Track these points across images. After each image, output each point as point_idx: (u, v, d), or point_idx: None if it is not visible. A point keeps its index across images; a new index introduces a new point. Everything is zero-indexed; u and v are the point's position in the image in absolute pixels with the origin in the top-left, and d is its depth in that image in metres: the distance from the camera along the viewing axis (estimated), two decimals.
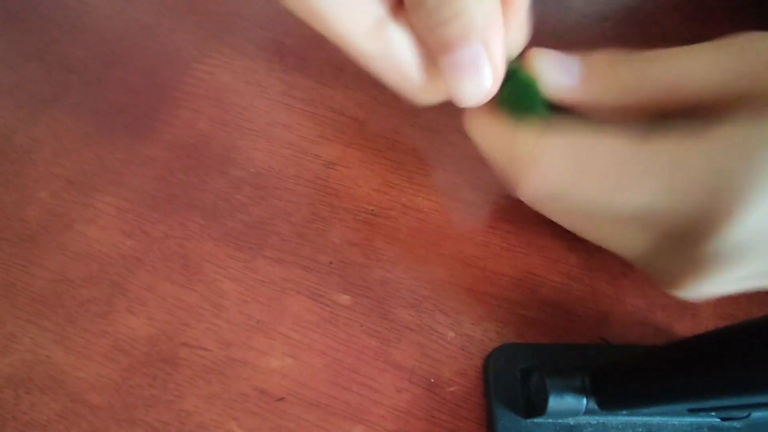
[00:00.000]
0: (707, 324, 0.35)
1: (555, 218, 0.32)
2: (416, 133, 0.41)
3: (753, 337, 0.22)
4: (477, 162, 0.37)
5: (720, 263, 0.26)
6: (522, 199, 0.30)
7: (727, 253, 0.25)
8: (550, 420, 0.32)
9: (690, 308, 0.35)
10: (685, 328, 0.35)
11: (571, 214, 0.30)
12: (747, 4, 0.47)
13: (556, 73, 0.28)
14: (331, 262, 0.37)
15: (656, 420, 0.32)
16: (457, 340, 0.35)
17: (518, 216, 0.38)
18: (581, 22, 0.47)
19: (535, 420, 0.32)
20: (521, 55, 0.29)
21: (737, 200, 0.24)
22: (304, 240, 0.38)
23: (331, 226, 0.39)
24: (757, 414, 0.31)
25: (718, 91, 0.25)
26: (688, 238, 0.26)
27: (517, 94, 0.29)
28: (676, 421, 0.32)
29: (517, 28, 0.28)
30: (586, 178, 0.26)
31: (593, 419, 0.32)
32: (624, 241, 0.29)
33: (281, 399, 0.34)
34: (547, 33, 0.44)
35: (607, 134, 0.26)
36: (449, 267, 0.37)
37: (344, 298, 0.36)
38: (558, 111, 0.29)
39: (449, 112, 0.33)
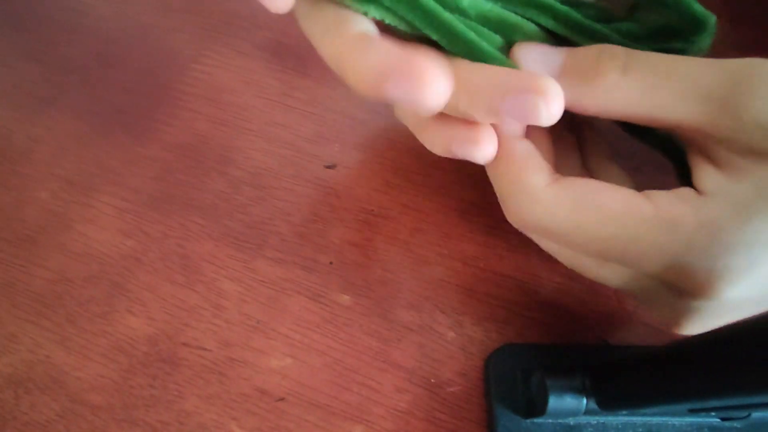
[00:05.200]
0: None
1: (542, 246, 0.31)
2: None
3: (753, 337, 0.22)
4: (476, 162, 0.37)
5: (708, 316, 0.27)
6: (510, 222, 0.30)
7: (712, 310, 0.26)
8: (550, 420, 0.32)
9: None
10: None
11: (561, 251, 0.30)
12: None
13: (536, 67, 0.27)
14: (331, 263, 0.37)
15: (656, 420, 0.32)
16: (458, 341, 0.35)
17: None
18: None
19: (536, 420, 0.32)
20: None
21: (723, 275, 0.24)
22: (304, 240, 0.38)
23: (331, 226, 0.39)
24: (757, 414, 0.31)
25: (694, 122, 0.25)
26: (678, 291, 0.27)
27: None
28: (676, 421, 0.32)
29: None
30: (583, 227, 0.26)
31: (593, 419, 0.32)
32: (614, 281, 0.29)
33: (281, 399, 0.34)
34: None
35: (611, 188, 0.26)
36: (449, 267, 0.37)
37: (344, 299, 0.36)
38: None
39: None
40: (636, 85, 0.25)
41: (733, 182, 0.24)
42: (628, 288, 0.29)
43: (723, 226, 0.24)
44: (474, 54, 0.27)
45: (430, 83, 0.22)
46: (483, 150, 0.27)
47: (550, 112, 0.24)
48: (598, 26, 0.29)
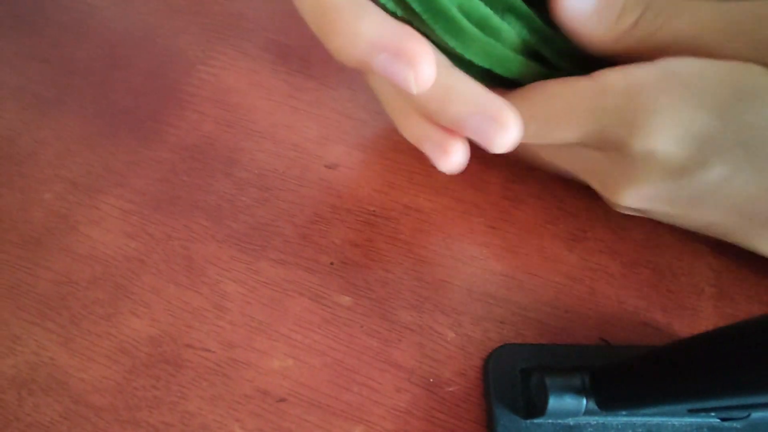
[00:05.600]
0: (707, 324, 0.35)
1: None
2: None
3: (753, 337, 0.22)
4: (477, 162, 0.37)
5: (636, 178, 0.30)
6: None
7: (638, 162, 0.29)
8: (550, 420, 0.32)
9: (689, 308, 0.35)
10: (684, 328, 0.35)
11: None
12: None
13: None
14: (332, 263, 0.37)
15: (656, 420, 0.32)
16: (457, 341, 0.35)
17: (519, 216, 0.38)
18: None
19: (535, 420, 0.32)
20: None
21: (645, 119, 0.27)
22: (307, 241, 0.38)
23: (333, 227, 0.39)
24: (757, 414, 0.31)
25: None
26: (615, 151, 0.29)
27: None
28: (676, 421, 0.32)
29: None
30: (539, 106, 0.30)
31: (593, 419, 0.32)
32: (574, 163, 0.33)
33: (283, 400, 0.34)
34: None
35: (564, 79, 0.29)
36: (450, 267, 0.37)
37: (345, 299, 0.36)
38: None
39: None
40: (649, 29, 0.28)
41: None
42: (586, 167, 0.33)
43: (646, 89, 0.27)
44: (453, 30, 0.27)
45: (422, 67, 0.24)
46: (449, 161, 0.29)
47: (504, 144, 0.27)
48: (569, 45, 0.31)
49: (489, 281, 0.37)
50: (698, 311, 0.35)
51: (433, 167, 0.38)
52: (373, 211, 0.39)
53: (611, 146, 0.29)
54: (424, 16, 0.27)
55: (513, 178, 0.40)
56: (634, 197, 0.31)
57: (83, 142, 0.43)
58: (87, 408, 0.34)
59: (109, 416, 0.34)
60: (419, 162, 0.40)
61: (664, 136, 0.27)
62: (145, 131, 0.43)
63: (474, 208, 0.39)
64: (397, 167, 0.40)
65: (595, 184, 0.33)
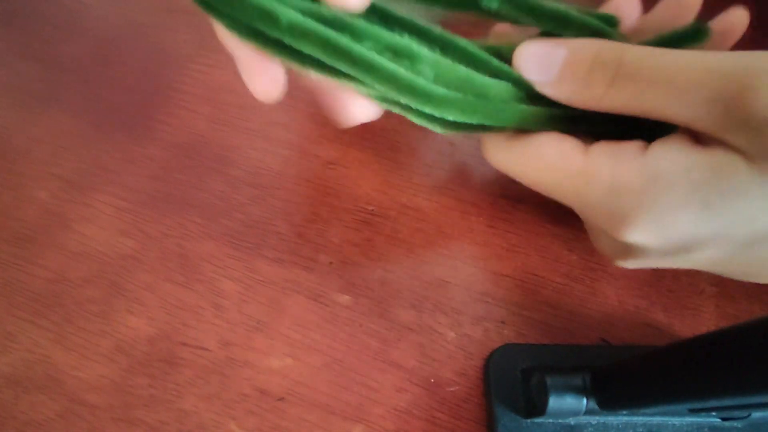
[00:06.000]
0: (707, 324, 0.35)
1: None
2: (416, 133, 0.41)
3: (753, 337, 0.22)
4: (476, 162, 0.37)
5: (632, 254, 0.29)
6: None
7: (627, 248, 0.29)
8: (551, 420, 0.32)
9: (690, 308, 0.36)
10: (685, 328, 0.35)
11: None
12: None
13: (535, 69, 0.29)
14: (331, 262, 0.37)
15: (656, 420, 0.32)
16: (458, 341, 0.35)
17: (518, 216, 0.38)
18: None
19: (536, 420, 0.32)
20: None
21: (630, 219, 0.27)
22: (304, 240, 0.38)
23: (331, 226, 0.39)
24: (757, 414, 0.31)
25: (691, 121, 0.26)
26: (606, 232, 0.30)
27: None
28: (676, 421, 0.32)
29: None
30: (527, 172, 0.30)
31: (593, 419, 0.32)
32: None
33: (281, 399, 0.34)
34: None
35: (556, 139, 0.29)
36: (449, 267, 0.37)
37: (344, 298, 0.36)
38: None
39: None
40: (624, 94, 0.27)
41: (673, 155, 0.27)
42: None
43: (631, 191, 0.27)
44: (428, 100, 0.28)
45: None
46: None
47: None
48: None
49: (489, 281, 0.37)
50: (699, 311, 0.35)
51: (432, 167, 0.38)
52: (372, 210, 0.39)
53: (598, 227, 0.30)
54: (404, 100, 0.28)
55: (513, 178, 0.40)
56: (626, 264, 0.31)
57: (76, 140, 0.43)
58: (82, 406, 0.34)
59: (105, 414, 0.33)
60: (418, 161, 0.40)
61: (648, 234, 0.27)
62: (138, 129, 0.43)
63: (474, 208, 0.39)
64: (396, 166, 0.40)
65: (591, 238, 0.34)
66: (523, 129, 0.30)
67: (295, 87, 0.32)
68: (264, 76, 0.31)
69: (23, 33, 0.48)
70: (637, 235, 0.27)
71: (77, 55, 0.47)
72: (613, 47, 0.28)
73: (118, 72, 0.46)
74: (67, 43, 0.48)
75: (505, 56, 0.30)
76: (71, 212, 0.40)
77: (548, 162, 0.29)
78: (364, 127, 0.41)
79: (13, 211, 0.40)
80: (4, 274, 0.37)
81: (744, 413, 0.31)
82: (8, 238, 0.39)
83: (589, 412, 0.29)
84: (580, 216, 0.31)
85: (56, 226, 0.39)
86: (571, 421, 0.32)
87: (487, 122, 0.29)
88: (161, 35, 0.48)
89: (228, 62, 0.46)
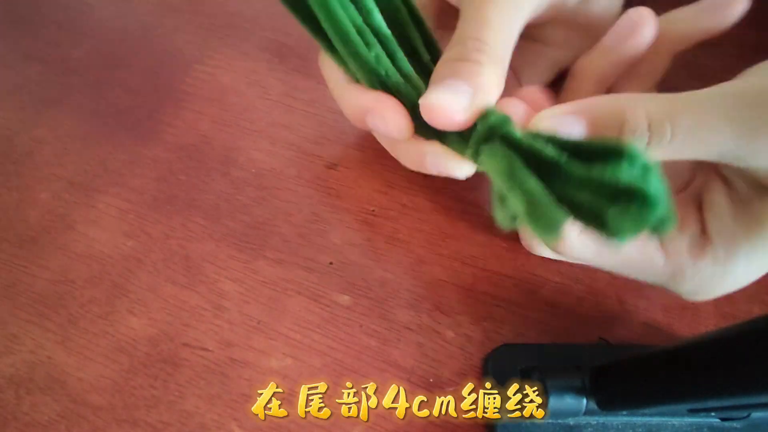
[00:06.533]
0: (707, 324, 0.35)
1: None
2: None
3: (753, 337, 0.22)
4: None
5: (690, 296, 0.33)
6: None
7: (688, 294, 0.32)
8: (550, 420, 0.32)
9: (690, 308, 0.35)
10: (685, 327, 0.35)
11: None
12: None
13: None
14: (331, 263, 0.37)
15: (656, 420, 0.32)
16: (457, 340, 0.35)
17: None
18: None
19: (535, 420, 0.31)
20: None
21: (702, 297, 0.32)
22: (305, 240, 0.38)
23: (332, 226, 0.39)
24: (757, 414, 0.31)
25: (729, 161, 0.27)
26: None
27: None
28: (676, 421, 0.32)
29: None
30: (604, 264, 0.32)
31: (593, 419, 0.32)
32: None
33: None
34: None
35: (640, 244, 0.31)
36: (449, 267, 0.37)
37: (344, 299, 0.36)
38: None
39: None
40: (661, 153, 0.27)
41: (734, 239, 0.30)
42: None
43: (712, 282, 0.31)
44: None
45: (394, 119, 0.30)
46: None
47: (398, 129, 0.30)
48: None
49: (488, 281, 0.37)
50: (698, 311, 0.35)
51: None
52: (373, 210, 0.39)
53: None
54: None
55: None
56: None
57: (80, 141, 0.43)
58: (85, 407, 0.34)
59: (107, 415, 0.33)
60: None
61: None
62: (142, 130, 0.43)
63: (473, 208, 0.39)
64: (396, 167, 0.40)
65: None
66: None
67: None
68: (392, 110, 0.30)
69: (28, 34, 0.49)
70: (703, 300, 0.32)
71: (82, 57, 0.47)
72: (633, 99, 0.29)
73: (123, 73, 0.46)
74: (71, 45, 0.48)
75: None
76: (75, 213, 0.40)
77: (633, 263, 0.31)
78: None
79: (16, 212, 0.40)
80: (8, 276, 0.38)
81: (743, 413, 0.31)
82: (12, 239, 0.39)
83: (588, 412, 0.29)
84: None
85: (59, 227, 0.39)
86: (571, 421, 0.32)
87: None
88: (166, 37, 0.48)
89: (232, 64, 0.46)
